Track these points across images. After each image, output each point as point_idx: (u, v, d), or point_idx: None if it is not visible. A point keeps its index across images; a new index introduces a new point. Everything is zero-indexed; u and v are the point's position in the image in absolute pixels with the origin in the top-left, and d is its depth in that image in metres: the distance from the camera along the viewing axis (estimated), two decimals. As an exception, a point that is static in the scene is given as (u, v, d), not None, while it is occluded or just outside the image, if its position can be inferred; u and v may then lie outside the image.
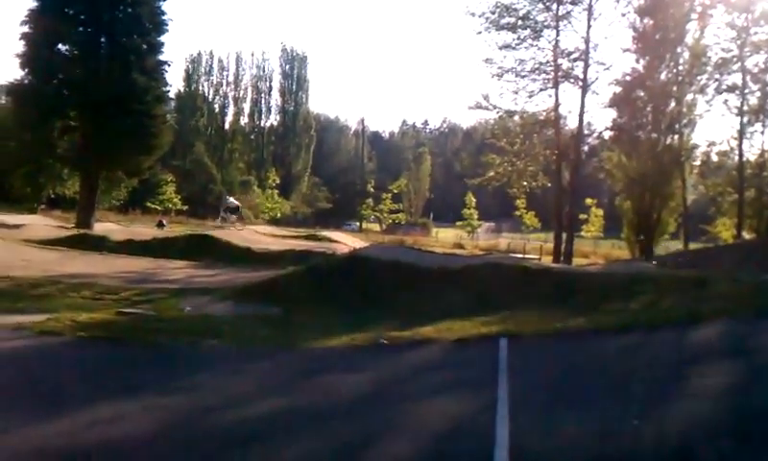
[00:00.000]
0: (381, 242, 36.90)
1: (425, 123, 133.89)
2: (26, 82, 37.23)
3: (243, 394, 6.80)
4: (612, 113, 33.44)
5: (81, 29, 37.79)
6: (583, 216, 48.50)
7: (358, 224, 72.99)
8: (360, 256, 16.08)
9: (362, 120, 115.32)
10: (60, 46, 37.92)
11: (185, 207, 60.39)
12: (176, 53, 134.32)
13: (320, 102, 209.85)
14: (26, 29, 36.53)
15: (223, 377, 7.51)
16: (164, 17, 38.86)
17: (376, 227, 66.74)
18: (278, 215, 65.39)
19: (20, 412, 5.85)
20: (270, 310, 11.89)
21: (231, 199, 39.35)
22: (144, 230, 35.30)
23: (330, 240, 37.31)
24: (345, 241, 37.38)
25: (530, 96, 33.00)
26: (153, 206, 56.34)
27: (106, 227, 34.51)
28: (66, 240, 25.01)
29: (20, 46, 36.70)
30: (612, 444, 5.01)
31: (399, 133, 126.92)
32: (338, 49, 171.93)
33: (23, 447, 5.03)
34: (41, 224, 33.41)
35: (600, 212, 51.32)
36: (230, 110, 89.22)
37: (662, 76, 31.62)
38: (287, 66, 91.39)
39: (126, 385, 6.90)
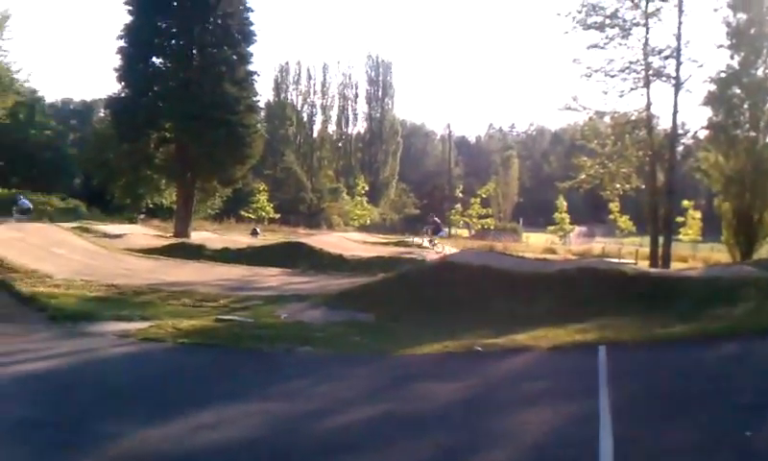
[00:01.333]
0: (471, 247, 36.63)
1: (512, 126, 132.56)
2: (123, 95, 38.63)
3: (340, 400, 6.87)
4: (708, 112, 32.11)
5: (173, 42, 38.96)
6: (680, 219, 46.88)
7: (447, 229, 72.79)
8: (451, 262, 15.98)
9: (448, 125, 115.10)
10: (154, 59, 39.22)
11: (277, 215, 61.48)
12: (265, 63, 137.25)
13: (405, 108, 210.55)
14: (122, 43, 38.01)
15: (319, 384, 7.61)
16: (252, 28, 39.63)
17: (465, 232, 66.28)
18: (368, 222, 65.80)
19: (129, 417, 6.09)
20: (362, 317, 11.95)
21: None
22: (239, 238, 36.08)
23: (420, 246, 37.31)
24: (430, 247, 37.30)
25: (620, 96, 32.04)
26: (246, 214, 57.56)
27: (202, 235, 35.43)
28: (165, 249, 25.76)
29: (117, 60, 38.25)
30: (723, 457, 4.82)
31: (486, 137, 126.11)
32: (423, 55, 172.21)
33: (134, 451, 5.23)
34: (141, 233, 34.54)
35: (698, 215, 49.47)
36: (318, 119, 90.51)
37: (759, 72, 30.32)
38: (372, 73, 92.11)
39: (227, 391, 7.09)
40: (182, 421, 5.98)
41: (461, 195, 66.42)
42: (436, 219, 40.37)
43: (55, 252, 20.19)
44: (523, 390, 7.37)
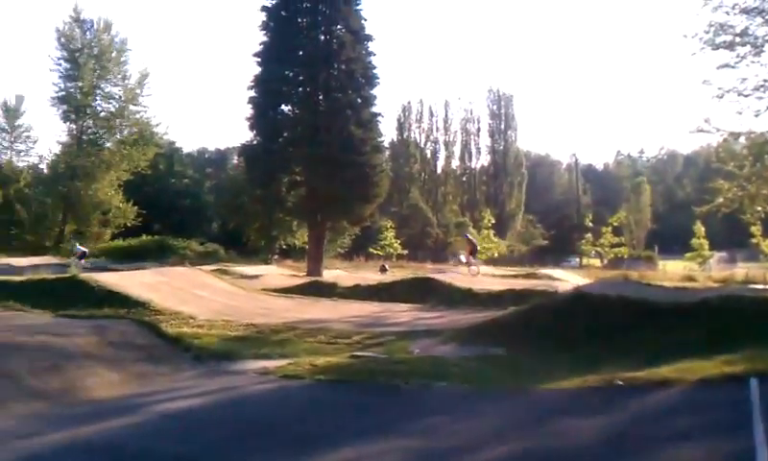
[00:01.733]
0: (605, 278, 35.57)
1: (641, 151, 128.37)
2: (255, 142, 40.49)
3: (478, 437, 6.80)
4: None
5: (300, 89, 40.54)
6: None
7: (578, 260, 71.05)
8: (584, 294, 15.56)
9: (574, 154, 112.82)
10: (282, 107, 40.88)
11: (405, 251, 61.98)
12: (388, 104, 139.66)
13: (529, 139, 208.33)
14: (252, 93, 39.82)
15: (457, 420, 7.56)
16: (375, 71, 40.65)
17: (597, 262, 64.46)
18: (495, 255, 65.23)
19: (273, 452, 6.28)
20: (494, 351, 11.82)
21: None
22: (369, 275, 36.57)
23: (550, 278, 36.52)
24: (566, 278, 36.45)
25: (756, 115, 30.48)
26: (375, 251, 58.40)
27: (334, 274, 36.16)
28: (299, 288, 26.43)
29: (248, 110, 40.10)
30: None
31: (614, 164, 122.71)
32: (544, 85, 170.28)
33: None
34: (276, 273, 35.61)
35: None
36: (442, 154, 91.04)
37: None
38: (494, 107, 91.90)
39: (366, 427, 7.17)
40: (324, 456, 6.10)
41: (590, 224, 64.79)
42: (472, 239, 39.79)
43: (197, 294, 21.10)
44: (671, 425, 7.04)
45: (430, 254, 65.58)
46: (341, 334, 14.60)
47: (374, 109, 40.84)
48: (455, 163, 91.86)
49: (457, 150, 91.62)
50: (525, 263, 60.56)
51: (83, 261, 34.50)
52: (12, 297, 16.35)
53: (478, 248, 39.62)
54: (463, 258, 37.22)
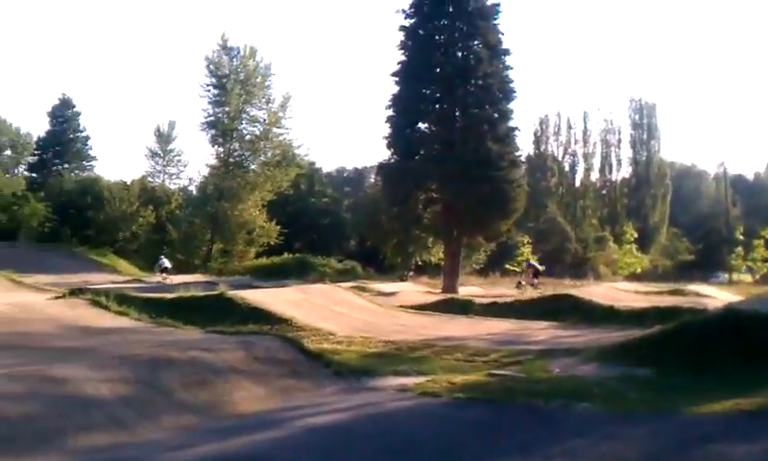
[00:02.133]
0: (758, 294, 33.58)
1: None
2: (392, 160, 41.02)
3: (622, 461, 6.60)
4: None
5: (437, 106, 40.76)
6: None
7: (726, 275, 67.40)
8: (736, 312, 14.71)
9: (722, 163, 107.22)
10: (419, 124, 41.25)
11: (542, 267, 60.85)
12: (524, 117, 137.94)
13: (673, 149, 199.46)
14: (390, 112, 40.44)
15: (600, 443, 7.36)
16: (512, 85, 40.30)
17: (748, 277, 60.90)
18: (638, 270, 62.92)
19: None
20: (640, 372, 11.38)
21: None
22: (505, 291, 36.21)
23: (698, 294, 34.91)
24: (715, 295, 34.71)
25: None
26: (511, 267, 57.71)
27: (469, 290, 36.05)
28: (435, 305, 26.48)
29: (385, 129, 40.75)
30: None
31: (766, 173, 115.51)
32: (689, 93, 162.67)
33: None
34: (412, 290, 35.87)
35: None
36: (580, 167, 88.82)
37: None
38: (636, 117, 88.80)
39: (506, 447, 7.10)
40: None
41: (741, 237, 61.37)
42: (533, 263, 40.77)
43: (336, 310, 21.58)
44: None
45: (568, 270, 63.94)
46: (478, 352, 14.53)
47: (511, 124, 40.55)
48: (594, 176, 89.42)
49: (597, 162, 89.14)
50: (670, 279, 57.95)
51: (164, 275, 36.21)
52: (164, 313, 17.29)
53: (540, 270, 40.48)
54: (523, 282, 38.05)
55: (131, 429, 7.75)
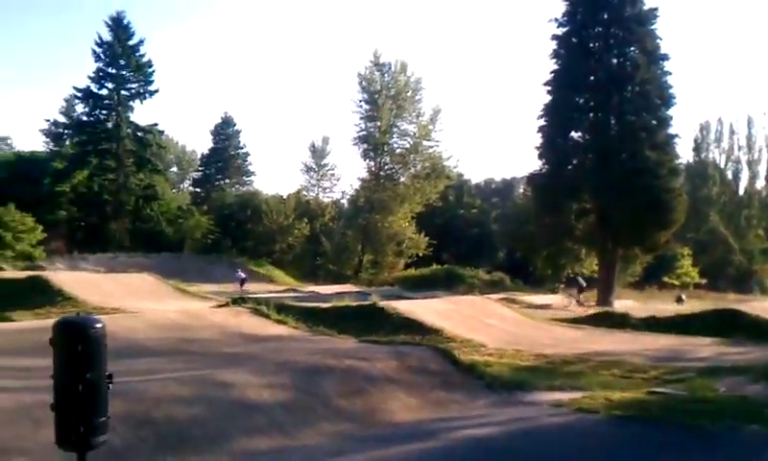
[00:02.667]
0: None
1: None
2: (543, 171, 40.48)
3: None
4: None
5: (591, 115, 39.89)
6: None
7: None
8: None
9: None
10: (572, 134, 40.46)
11: (703, 281, 58.00)
12: (684, 124, 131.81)
13: None
14: (542, 122, 39.91)
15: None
16: (671, 91, 38.86)
17: None
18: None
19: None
20: (818, 393, 10.59)
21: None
22: (663, 306, 34.69)
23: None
24: None
25: None
26: (669, 280, 55.30)
27: (625, 304, 34.86)
28: (589, 318, 25.78)
29: (537, 139, 40.24)
30: None
31: None
32: None
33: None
34: (563, 303, 35.15)
35: None
36: (744, 175, 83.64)
37: None
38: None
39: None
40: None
41: None
42: (579, 279, 38.87)
43: (486, 322, 21.42)
44: None
45: (731, 284, 60.35)
46: (636, 368, 13.99)
47: (670, 131, 39.07)
48: (760, 184, 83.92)
49: (762, 169, 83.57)
50: None
51: (244, 287, 37.01)
52: (320, 322, 17.82)
53: (584, 286, 38.25)
54: (573, 301, 36.13)
55: (291, 434, 8.02)
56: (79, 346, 3.65)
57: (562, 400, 10.27)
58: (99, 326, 3.77)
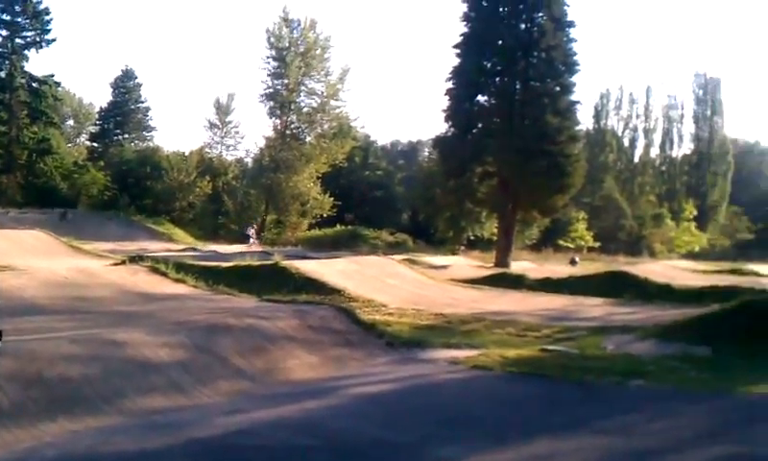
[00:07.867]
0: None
1: None
2: (449, 134, 40.85)
3: (679, 439, 6.52)
4: None
5: (497, 79, 40.43)
6: None
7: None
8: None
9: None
10: (478, 98, 40.95)
11: (596, 244, 60.17)
12: (585, 91, 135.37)
13: (736, 126, 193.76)
14: (450, 85, 40.21)
15: (655, 420, 7.26)
16: (575, 58, 39.74)
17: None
18: (695, 249, 61.69)
19: (465, 442, 6.34)
20: (697, 350, 11.16)
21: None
22: (557, 267, 35.85)
23: (757, 274, 34.18)
24: (775, 275, 33.88)
25: None
26: (564, 243, 57.06)
27: (521, 265, 35.80)
28: (487, 279, 26.37)
29: (444, 102, 40.56)
30: None
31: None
32: (755, 67, 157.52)
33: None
34: (464, 264, 35.77)
35: None
36: (640, 143, 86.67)
37: None
38: (700, 91, 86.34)
39: (559, 422, 7.06)
40: (518, 449, 6.10)
41: (806, 215, 59.66)
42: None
43: (388, 282, 21.64)
44: None
45: (623, 247, 62.85)
46: (530, 327, 14.44)
47: (573, 98, 40.07)
48: (654, 152, 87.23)
49: (657, 138, 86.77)
50: (728, 258, 56.61)
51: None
52: (221, 282, 17.55)
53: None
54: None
55: (188, 393, 7.92)
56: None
57: (458, 358, 10.50)
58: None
